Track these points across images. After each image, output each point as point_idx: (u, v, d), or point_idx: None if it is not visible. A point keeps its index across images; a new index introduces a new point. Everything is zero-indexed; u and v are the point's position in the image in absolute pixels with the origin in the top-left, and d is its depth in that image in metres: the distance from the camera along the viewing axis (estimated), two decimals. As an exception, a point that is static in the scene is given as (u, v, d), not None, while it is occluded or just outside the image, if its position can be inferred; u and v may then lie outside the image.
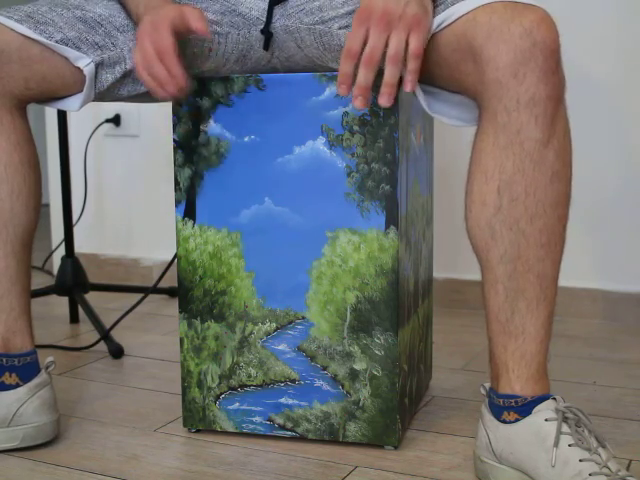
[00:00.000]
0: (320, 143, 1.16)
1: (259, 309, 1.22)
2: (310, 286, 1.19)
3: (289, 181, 1.18)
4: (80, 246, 2.43)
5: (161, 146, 2.38)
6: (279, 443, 1.23)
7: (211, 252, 1.22)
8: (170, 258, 2.22)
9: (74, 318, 2.00)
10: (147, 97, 1.26)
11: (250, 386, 1.24)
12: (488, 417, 1.09)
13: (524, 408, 1.04)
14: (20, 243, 1.20)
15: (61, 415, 1.33)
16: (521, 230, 1.03)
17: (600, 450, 1.00)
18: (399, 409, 1.19)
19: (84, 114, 2.43)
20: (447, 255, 2.08)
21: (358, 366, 1.19)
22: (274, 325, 1.22)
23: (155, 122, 2.39)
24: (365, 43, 0.99)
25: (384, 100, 1.01)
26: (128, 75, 1.20)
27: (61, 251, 2.22)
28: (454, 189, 2.04)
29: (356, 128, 1.15)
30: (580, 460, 0.98)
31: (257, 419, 1.24)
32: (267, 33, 1.18)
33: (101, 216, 2.51)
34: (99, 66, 1.17)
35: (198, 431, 1.28)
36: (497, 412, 1.07)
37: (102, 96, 1.22)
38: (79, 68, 1.16)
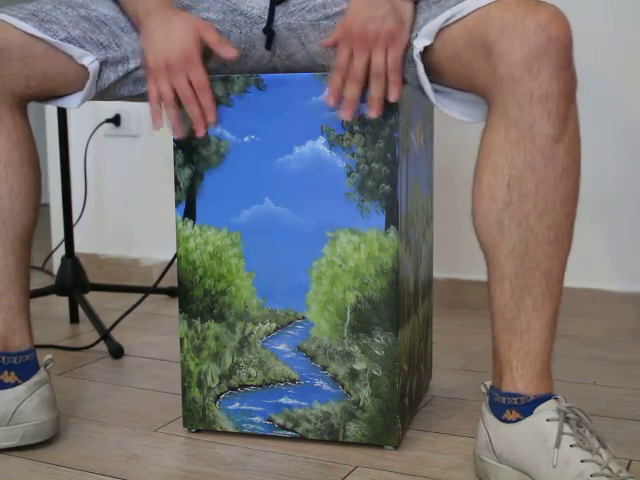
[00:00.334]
0: (320, 143, 1.16)
1: (259, 309, 1.22)
2: (310, 286, 1.19)
3: (289, 181, 1.18)
4: (80, 246, 2.43)
5: (161, 146, 2.38)
6: (279, 443, 1.23)
7: (211, 252, 1.22)
8: (170, 258, 2.22)
9: (74, 318, 2.00)
10: (146, 98, 1.26)
11: (250, 386, 1.24)
12: (488, 416, 1.09)
13: (526, 407, 1.04)
14: (19, 242, 1.20)
15: (61, 415, 1.33)
16: (530, 226, 1.02)
17: (601, 451, 0.99)
18: (399, 409, 1.19)
19: (84, 114, 2.43)
20: (447, 255, 2.08)
21: (358, 366, 1.19)
22: (274, 325, 1.22)
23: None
24: (351, 58, 1.08)
25: (373, 113, 1.10)
26: (130, 75, 1.20)
27: (61, 251, 2.22)
28: (454, 189, 2.04)
29: (356, 128, 1.15)
30: (581, 461, 0.98)
31: (257, 419, 1.24)
32: (269, 32, 1.18)
33: (101, 216, 2.51)
34: (102, 64, 1.18)
35: (198, 431, 1.28)
36: (499, 411, 1.07)
37: (103, 95, 1.22)
38: (82, 66, 1.17)
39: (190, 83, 1.13)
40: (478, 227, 1.07)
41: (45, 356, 1.25)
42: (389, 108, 1.12)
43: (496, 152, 1.03)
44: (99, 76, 1.18)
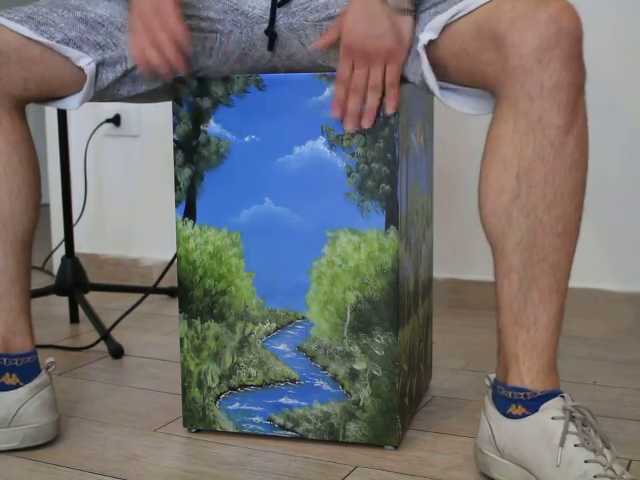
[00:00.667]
0: (320, 143, 1.16)
1: (259, 309, 1.22)
2: (310, 286, 1.19)
3: (289, 181, 1.18)
4: (80, 246, 2.43)
5: (161, 146, 2.38)
6: (279, 443, 1.23)
7: (211, 252, 1.22)
8: (170, 258, 2.22)
9: (74, 318, 2.00)
10: (145, 97, 1.26)
11: (250, 386, 1.24)
12: (492, 410, 1.08)
13: (532, 403, 1.04)
14: (20, 243, 1.20)
15: (61, 415, 1.33)
16: (538, 218, 1.02)
17: (605, 451, 0.99)
18: (399, 409, 1.19)
19: (84, 114, 2.43)
20: (447, 255, 2.08)
21: (358, 366, 1.19)
22: (274, 325, 1.22)
23: (155, 122, 2.39)
24: (353, 70, 1.12)
25: (366, 123, 1.13)
26: (128, 74, 1.20)
27: (61, 251, 2.22)
28: (454, 189, 2.04)
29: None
30: (585, 461, 0.98)
31: (257, 419, 1.24)
32: (271, 34, 1.18)
33: (101, 216, 2.51)
34: (100, 65, 1.18)
35: (198, 431, 1.28)
36: (503, 405, 1.07)
37: (101, 95, 1.22)
38: (80, 67, 1.17)
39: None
40: (485, 219, 1.07)
41: (47, 358, 1.26)
42: (387, 118, 1.13)
43: (505, 144, 1.03)
44: (97, 77, 1.18)
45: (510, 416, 1.06)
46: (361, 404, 1.20)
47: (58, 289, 1.95)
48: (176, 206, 1.23)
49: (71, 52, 1.16)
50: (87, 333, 1.89)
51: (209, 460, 1.18)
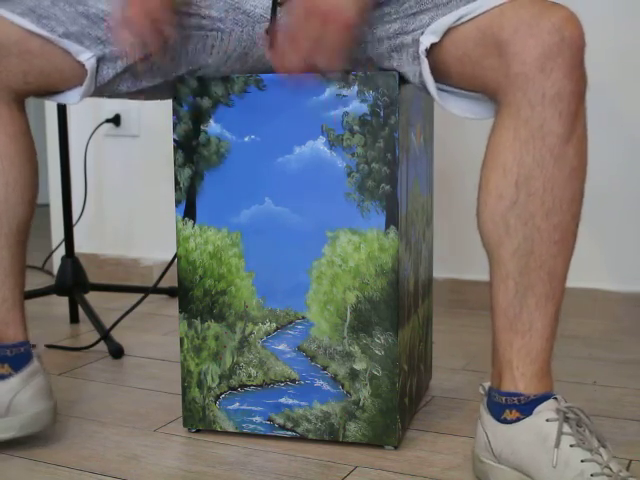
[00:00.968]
0: (320, 143, 1.16)
1: (259, 309, 1.22)
2: (310, 286, 1.19)
3: (289, 181, 1.18)
4: (80, 246, 2.43)
5: (161, 146, 2.38)
6: (279, 443, 1.23)
7: (211, 252, 1.22)
8: (170, 258, 2.21)
9: (74, 318, 2.00)
10: (146, 94, 1.26)
11: (250, 386, 1.24)
12: (487, 417, 1.09)
13: (526, 407, 1.04)
14: (14, 236, 1.20)
15: (61, 415, 1.33)
16: (536, 225, 1.03)
17: (601, 450, 0.99)
18: (399, 409, 1.19)
19: (84, 114, 2.43)
20: (447, 255, 2.08)
21: (358, 366, 1.19)
22: (274, 325, 1.22)
23: (155, 122, 2.39)
24: None
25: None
26: (128, 70, 1.20)
27: (61, 251, 2.21)
28: (454, 189, 2.04)
29: (356, 128, 1.15)
30: (582, 460, 0.98)
31: (257, 419, 1.24)
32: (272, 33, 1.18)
33: (101, 216, 2.51)
34: (100, 60, 1.18)
35: (198, 431, 1.28)
36: (498, 411, 1.07)
37: (101, 91, 1.22)
38: (80, 62, 1.17)
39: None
40: (483, 225, 1.07)
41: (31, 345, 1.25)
42: (389, 108, 1.13)
43: (505, 151, 1.03)
44: (98, 72, 1.18)
45: (505, 421, 1.06)
46: (361, 404, 1.20)
47: (58, 289, 1.95)
48: (176, 206, 1.23)
49: (72, 46, 1.16)
50: (87, 333, 1.89)
51: (209, 460, 1.18)
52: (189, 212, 1.23)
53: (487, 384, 1.12)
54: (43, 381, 1.22)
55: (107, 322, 1.84)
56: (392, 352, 1.17)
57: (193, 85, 1.20)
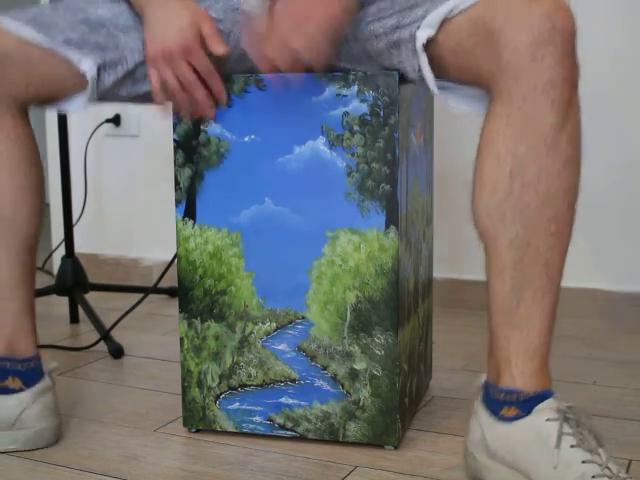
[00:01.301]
0: (320, 143, 1.16)
1: (259, 309, 1.22)
2: (310, 286, 1.19)
3: (289, 181, 1.18)
4: (80, 246, 2.43)
5: (161, 146, 2.38)
6: (279, 443, 1.23)
7: (211, 252, 1.22)
8: (170, 258, 2.21)
9: (74, 318, 2.00)
10: (147, 99, 1.26)
11: (250, 386, 1.24)
12: (484, 414, 1.07)
13: (525, 404, 1.03)
14: (24, 247, 1.21)
15: (61, 415, 1.33)
16: (531, 216, 1.02)
17: (600, 450, 0.99)
18: (399, 409, 1.19)
19: (84, 114, 2.42)
20: (447, 255, 2.08)
21: (358, 366, 1.19)
22: (274, 325, 1.22)
23: (155, 122, 2.39)
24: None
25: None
26: (129, 76, 1.20)
27: (61, 251, 2.21)
28: (454, 189, 2.04)
29: (356, 128, 1.15)
30: (582, 462, 0.97)
31: (257, 419, 1.24)
32: None
33: (101, 216, 2.51)
34: (101, 67, 1.18)
35: (198, 431, 1.28)
36: (496, 407, 1.06)
37: (103, 97, 1.22)
38: (81, 71, 1.17)
39: (194, 70, 1.14)
40: (478, 218, 1.06)
41: (51, 363, 1.26)
42: (389, 108, 1.13)
43: (498, 139, 1.03)
44: (99, 79, 1.18)
45: (502, 418, 1.05)
46: (361, 404, 1.20)
47: (58, 289, 1.95)
48: (176, 206, 1.23)
49: (72, 54, 1.16)
50: (87, 333, 1.89)
51: (209, 460, 1.18)
52: (189, 212, 1.23)
53: (483, 378, 1.11)
54: (51, 399, 1.23)
55: (107, 322, 1.84)
56: (392, 352, 1.17)
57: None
